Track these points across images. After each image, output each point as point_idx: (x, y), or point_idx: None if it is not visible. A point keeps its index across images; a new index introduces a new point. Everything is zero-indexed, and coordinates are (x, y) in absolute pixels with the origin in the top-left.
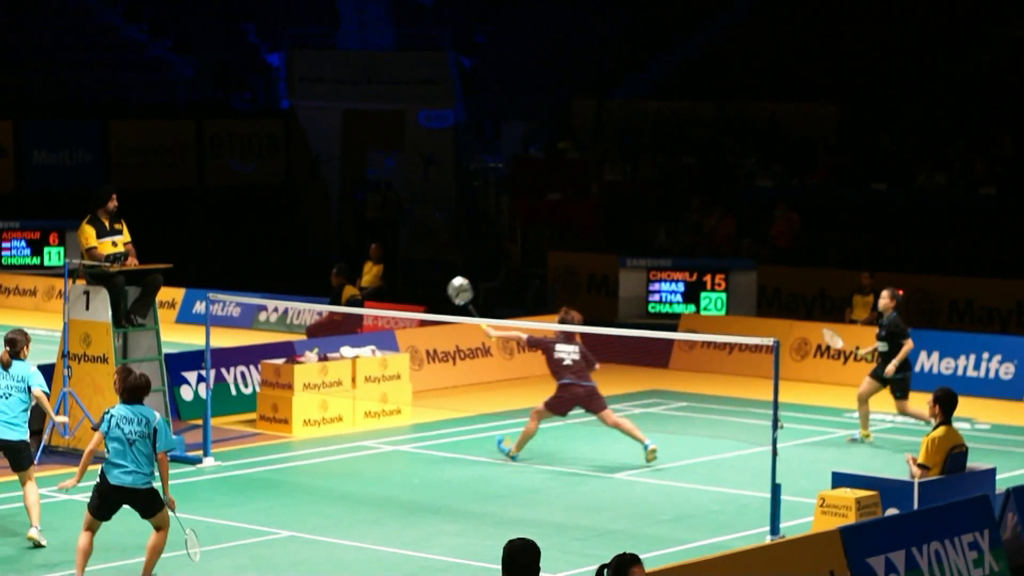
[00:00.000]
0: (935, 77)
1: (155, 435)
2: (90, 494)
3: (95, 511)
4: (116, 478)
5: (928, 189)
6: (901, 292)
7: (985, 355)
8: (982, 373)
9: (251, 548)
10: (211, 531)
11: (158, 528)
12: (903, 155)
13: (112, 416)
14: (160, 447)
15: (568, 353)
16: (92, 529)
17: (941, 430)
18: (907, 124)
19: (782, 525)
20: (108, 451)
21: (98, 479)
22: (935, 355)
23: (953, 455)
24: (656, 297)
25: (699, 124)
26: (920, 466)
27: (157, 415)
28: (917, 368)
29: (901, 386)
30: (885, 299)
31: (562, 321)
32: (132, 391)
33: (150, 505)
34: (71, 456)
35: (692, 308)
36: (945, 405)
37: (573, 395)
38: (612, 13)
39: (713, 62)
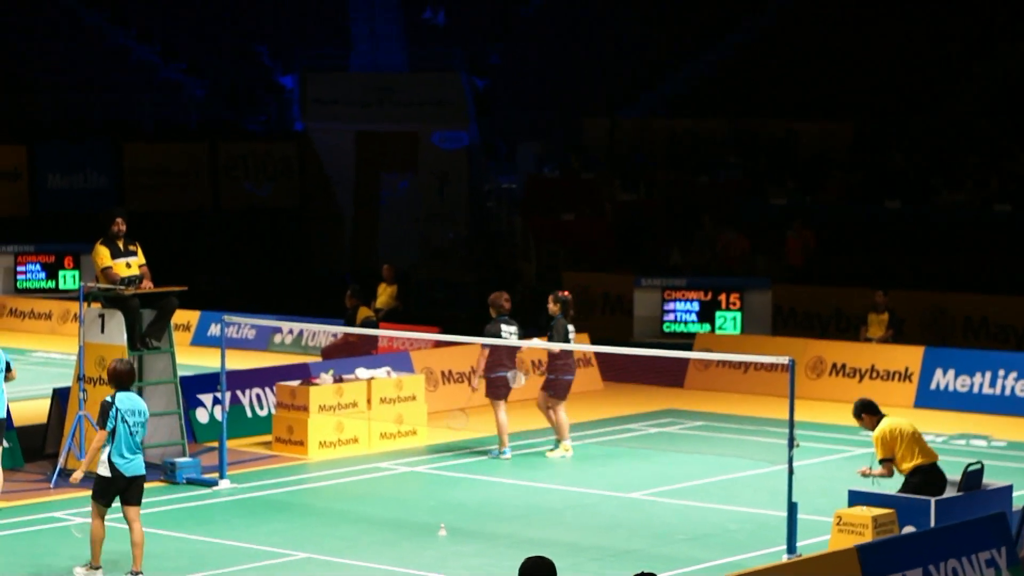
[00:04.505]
0: (948, 94)
1: (146, 423)
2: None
3: (106, 500)
4: (134, 469)
5: (942, 206)
6: (566, 294)
7: (1001, 372)
8: (998, 390)
9: (268, 570)
10: (227, 553)
11: (134, 520)
12: (917, 172)
13: (118, 410)
14: (144, 433)
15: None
16: (103, 516)
17: (884, 423)
18: (921, 141)
19: (799, 544)
20: (112, 442)
21: (108, 474)
22: (950, 372)
23: (969, 473)
24: (671, 316)
25: (712, 142)
26: (883, 462)
27: (144, 402)
28: (932, 385)
29: (553, 385)
30: (550, 303)
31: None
32: (126, 376)
33: (141, 491)
34: (87, 479)
35: (707, 327)
36: (868, 410)
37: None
38: (624, 32)
39: (726, 80)
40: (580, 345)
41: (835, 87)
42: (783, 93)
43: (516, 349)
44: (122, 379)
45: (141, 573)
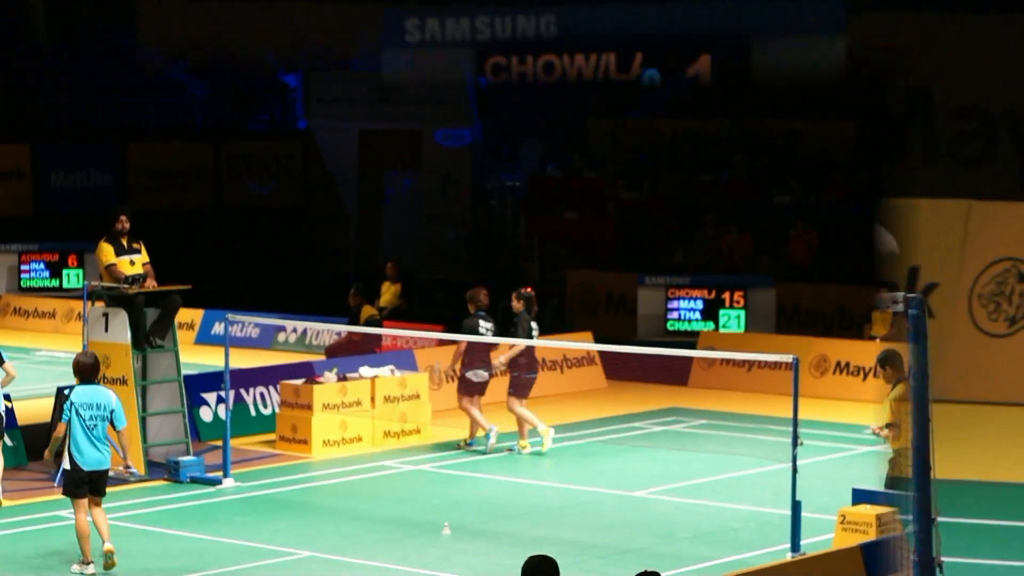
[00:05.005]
0: None
1: (112, 415)
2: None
3: (75, 493)
4: (93, 463)
5: None
6: (529, 290)
7: None
8: None
9: (271, 569)
10: (231, 552)
11: (96, 506)
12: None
13: (72, 404)
14: (119, 425)
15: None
16: (84, 510)
17: (899, 388)
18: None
19: (803, 542)
20: (70, 437)
21: (68, 467)
22: None
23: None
24: (675, 315)
25: (715, 142)
26: (889, 426)
27: (112, 395)
28: None
29: (516, 382)
30: (513, 300)
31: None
32: (87, 369)
33: (104, 484)
34: None
35: (711, 325)
36: (892, 362)
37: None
38: None
39: (728, 81)
40: (584, 344)
41: (834, 88)
42: (784, 93)
43: (491, 346)
44: (84, 372)
45: (108, 541)
